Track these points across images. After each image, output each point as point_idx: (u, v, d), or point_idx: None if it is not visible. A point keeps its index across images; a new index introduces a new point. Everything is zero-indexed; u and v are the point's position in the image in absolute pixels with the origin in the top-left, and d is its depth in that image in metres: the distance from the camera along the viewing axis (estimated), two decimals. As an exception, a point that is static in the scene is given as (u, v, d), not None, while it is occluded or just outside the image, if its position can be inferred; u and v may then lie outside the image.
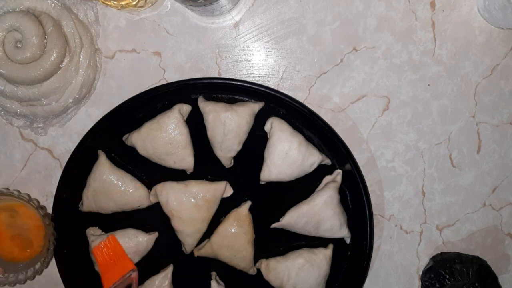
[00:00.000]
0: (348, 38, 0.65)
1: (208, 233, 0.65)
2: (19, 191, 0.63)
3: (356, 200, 0.65)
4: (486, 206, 0.69)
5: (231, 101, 0.65)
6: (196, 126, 0.64)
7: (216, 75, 0.66)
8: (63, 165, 0.66)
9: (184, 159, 0.64)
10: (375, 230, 0.66)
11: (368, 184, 0.65)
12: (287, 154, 0.62)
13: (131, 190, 0.64)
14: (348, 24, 0.65)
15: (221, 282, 0.66)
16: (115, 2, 0.62)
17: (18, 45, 0.61)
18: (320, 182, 0.66)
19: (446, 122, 0.67)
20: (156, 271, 0.66)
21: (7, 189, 0.65)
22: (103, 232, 0.67)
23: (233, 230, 0.63)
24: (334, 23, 0.65)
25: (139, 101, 0.63)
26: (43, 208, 0.64)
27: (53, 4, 0.62)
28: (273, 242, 0.67)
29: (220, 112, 0.62)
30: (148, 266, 0.67)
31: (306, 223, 0.63)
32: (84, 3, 0.64)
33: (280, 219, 0.64)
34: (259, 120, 0.64)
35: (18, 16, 0.60)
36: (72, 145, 0.66)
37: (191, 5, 0.58)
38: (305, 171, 0.64)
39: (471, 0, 0.65)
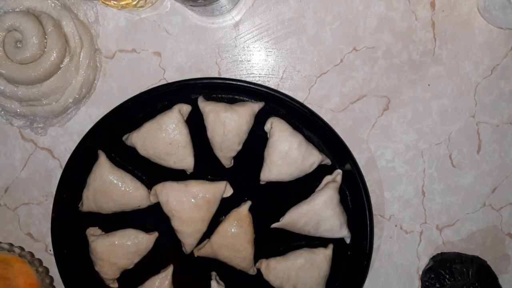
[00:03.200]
0: (348, 38, 0.65)
1: (208, 233, 0.65)
2: (11, 244, 0.59)
3: (356, 200, 0.65)
4: (486, 206, 0.69)
5: (231, 101, 0.65)
6: (196, 126, 0.64)
7: (216, 75, 0.66)
8: (63, 165, 0.66)
9: (184, 159, 0.64)
10: (375, 230, 0.66)
11: (368, 184, 0.65)
12: (287, 154, 0.62)
13: (131, 190, 0.64)
14: (348, 24, 0.65)
15: (221, 282, 0.66)
16: (115, 2, 0.62)
17: (18, 45, 0.61)
18: (320, 182, 0.66)
19: (446, 122, 0.67)
20: (156, 271, 0.66)
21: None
22: (103, 232, 0.67)
23: (233, 230, 0.63)
24: (334, 23, 0.65)
25: (139, 101, 0.63)
26: (38, 262, 0.58)
27: (53, 4, 0.62)
28: (273, 242, 0.67)
29: (220, 112, 0.62)
30: (148, 266, 0.67)
31: (306, 223, 0.63)
32: (84, 3, 0.64)
33: (280, 219, 0.64)
34: (259, 120, 0.64)
35: (18, 16, 0.60)
36: (72, 145, 0.66)
37: (191, 5, 0.58)
38: (305, 171, 0.64)
39: (471, 0, 0.65)
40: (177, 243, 0.66)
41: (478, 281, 0.63)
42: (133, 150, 0.64)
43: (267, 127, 0.64)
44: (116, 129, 0.65)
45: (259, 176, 0.64)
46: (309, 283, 0.64)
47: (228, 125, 0.62)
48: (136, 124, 0.64)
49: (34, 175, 0.69)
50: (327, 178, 0.65)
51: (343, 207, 0.64)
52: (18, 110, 0.64)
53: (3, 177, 0.69)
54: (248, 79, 0.66)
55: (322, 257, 0.64)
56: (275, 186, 0.65)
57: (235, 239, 0.63)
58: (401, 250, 0.69)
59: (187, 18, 0.65)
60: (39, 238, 0.70)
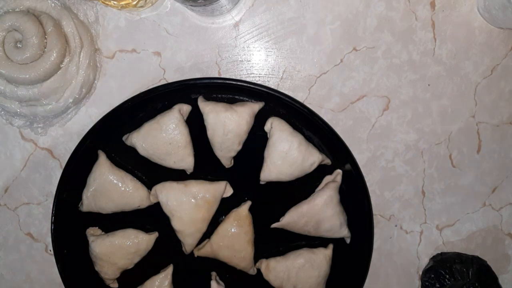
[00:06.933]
0: (348, 38, 0.65)
1: (208, 233, 0.65)
2: None
3: (356, 200, 0.65)
4: (486, 206, 0.69)
5: (231, 101, 0.65)
6: (196, 126, 0.64)
7: (216, 75, 0.66)
8: (63, 165, 0.66)
9: (184, 159, 0.64)
10: (375, 230, 0.66)
11: (368, 184, 0.65)
12: (287, 154, 0.62)
13: (131, 190, 0.64)
14: (348, 24, 0.65)
15: (221, 282, 0.66)
16: (115, 2, 0.62)
17: (18, 45, 0.61)
18: (320, 182, 0.66)
19: (446, 122, 0.67)
20: (156, 271, 0.66)
21: None
22: (103, 232, 0.67)
23: (233, 230, 0.63)
24: (334, 23, 0.65)
25: (139, 101, 0.63)
26: None
27: (53, 4, 0.62)
28: (273, 242, 0.67)
29: (220, 112, 0.62)
30: (148, 266, 0.67)
31: (306, 223, 0.63)
32: (84, 3, 0.64)
33: (280, 219, 0.64)
34: (259, 120, 0.64)
35: (18, 16, 0.60)
36: (72, 145, 0.66)
37: (191, 5, 0.58)
38: (305, 171, 0.64)
39: (471, 0, 0.65)
40: (177, 243, 0.66)
41: (478, 281, 0.63)
42: (133, 150, 0.64)
43: (267, 127, 0.64)
44: (116, 129, 0.65)
45: (259, 176, 0.64)
46: (309, 283, 0.64)
47: (228, 125, 0.62)
48: (136, 124, 0.64)
49: (34, 175, 0.69)
50: (327, 178, 0.65)
51: (343, 207, 0.65)
52: (18, 110, 0.64)
53: (3, 177, 0.69)
54: (248, 79, 0.66)
55: (322, 257, 0.64)
56: (275, 186, 0.65)
57: (235, 239, 0.63)
58: (401, 250, 0.69)
59: (187, 18, 0.65)
60: (39, 238, 0.70)
